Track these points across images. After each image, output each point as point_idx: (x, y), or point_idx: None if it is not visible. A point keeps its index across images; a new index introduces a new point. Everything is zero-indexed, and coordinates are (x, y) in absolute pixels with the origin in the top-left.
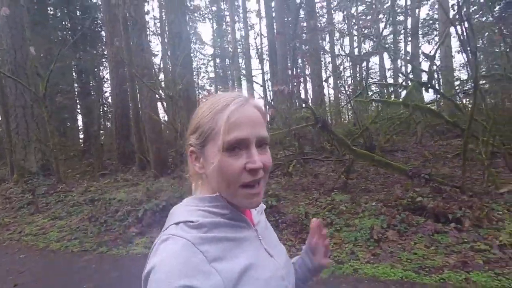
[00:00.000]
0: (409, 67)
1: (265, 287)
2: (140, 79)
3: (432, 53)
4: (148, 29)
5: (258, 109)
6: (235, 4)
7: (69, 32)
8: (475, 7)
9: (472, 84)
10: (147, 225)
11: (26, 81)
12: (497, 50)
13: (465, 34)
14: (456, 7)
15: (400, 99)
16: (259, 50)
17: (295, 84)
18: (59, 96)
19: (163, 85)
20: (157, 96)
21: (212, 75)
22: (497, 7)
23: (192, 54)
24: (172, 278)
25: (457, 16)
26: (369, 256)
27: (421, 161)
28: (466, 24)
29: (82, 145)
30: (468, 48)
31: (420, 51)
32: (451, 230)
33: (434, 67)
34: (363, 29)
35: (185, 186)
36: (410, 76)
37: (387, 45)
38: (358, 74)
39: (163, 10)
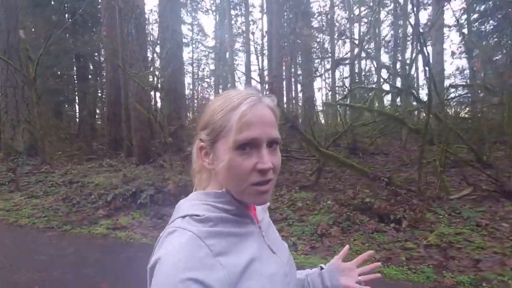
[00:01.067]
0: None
1: (268, 282)
2: (122, 68)
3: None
4: (147, 20)
5: (271, 109)
6: None
7: (69, 15)
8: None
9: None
10: (114, 209)
11: (18, 63)
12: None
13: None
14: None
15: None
16: (259, 45)
17: (273, 82)
18: (51, 79)
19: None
20: (142, 86)
21: (212, 67)
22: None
23: (193, 45)
24: (177, 270)
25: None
26: (307, 248)
27: (398, 165)
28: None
29: (78, 128)
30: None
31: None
32: (390, 230)
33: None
34: (341, 32)
35: (163, 174)
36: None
37: (369, 50)
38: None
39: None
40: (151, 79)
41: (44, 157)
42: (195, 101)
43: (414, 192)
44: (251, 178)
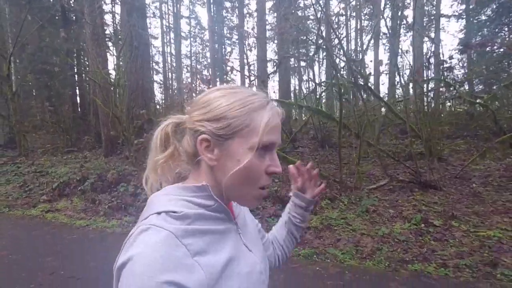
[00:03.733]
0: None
1: (245, 281)
2: (83, 68)
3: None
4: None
5: (280, 117)
6: None
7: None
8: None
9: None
10: (57, 195)
11: None
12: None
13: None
14: None
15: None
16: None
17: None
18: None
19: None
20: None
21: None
22: None
23: (192, 39)
24: (153, 272)
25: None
26: None
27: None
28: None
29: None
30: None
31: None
32: None
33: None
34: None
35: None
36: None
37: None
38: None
39: None
40: (114, 77)
41: (20, 150)
42: (193, 94)
43: (338, 182)
44: (261, 181)
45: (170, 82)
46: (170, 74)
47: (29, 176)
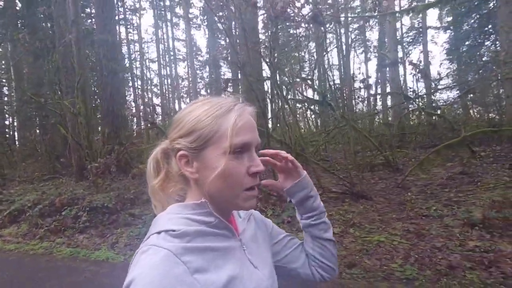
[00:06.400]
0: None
1: None
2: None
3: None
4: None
5: (253, 116)
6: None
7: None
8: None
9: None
10: (7, 221)
11: None
12: None
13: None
14: None
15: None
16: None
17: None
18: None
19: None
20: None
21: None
22: None
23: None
24: None
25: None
26: None
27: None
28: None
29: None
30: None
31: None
32: None
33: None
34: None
35: (69, 188)
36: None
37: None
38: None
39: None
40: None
41: None
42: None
43: (271, 195)
44: (244, 183)
45: (167, 103)
46: (168, 95)
47: None
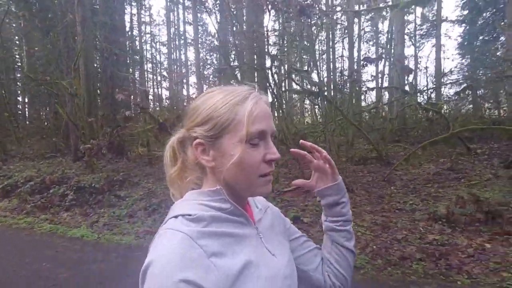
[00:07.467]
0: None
1: (267, 285)
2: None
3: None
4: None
5: (268, 104)
6: None
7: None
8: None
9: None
10: (3, 195)
11: None
12: None
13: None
14: None
15: None
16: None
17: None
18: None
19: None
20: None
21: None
22: None
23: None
24: (170, 272)
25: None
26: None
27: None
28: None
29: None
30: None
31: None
32: None
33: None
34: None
35: (72, 167)
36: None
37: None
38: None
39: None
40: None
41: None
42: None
43: None
44: (260, 169)
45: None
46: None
47: None
